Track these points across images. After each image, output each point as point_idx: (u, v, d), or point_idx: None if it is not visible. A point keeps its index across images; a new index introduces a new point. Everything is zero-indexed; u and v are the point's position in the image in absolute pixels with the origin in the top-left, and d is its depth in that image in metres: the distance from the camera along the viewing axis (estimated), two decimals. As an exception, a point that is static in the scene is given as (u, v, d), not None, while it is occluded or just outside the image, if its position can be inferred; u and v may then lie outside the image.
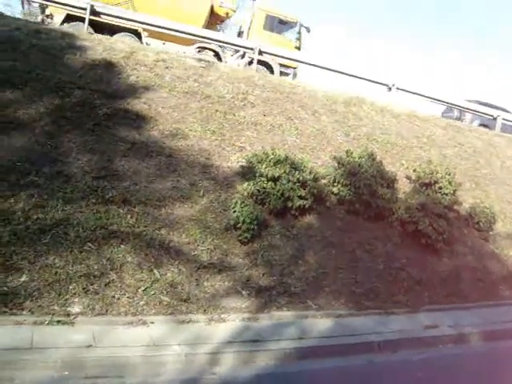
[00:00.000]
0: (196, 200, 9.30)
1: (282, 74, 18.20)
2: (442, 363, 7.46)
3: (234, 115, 11.79)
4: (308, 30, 19.88)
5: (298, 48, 19.53)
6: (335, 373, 6.61)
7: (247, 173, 10.03)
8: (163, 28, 15.50)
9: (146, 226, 8.34)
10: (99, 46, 12.40)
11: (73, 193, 8.29)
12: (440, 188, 11.22)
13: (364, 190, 10.12)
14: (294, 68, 19.06)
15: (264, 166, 9.79)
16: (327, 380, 6.42)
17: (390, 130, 13.68)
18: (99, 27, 15.03)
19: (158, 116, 10.84)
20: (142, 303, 7.16)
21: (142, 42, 15.79)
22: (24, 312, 6.28)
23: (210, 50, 17.21)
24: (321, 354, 6.90)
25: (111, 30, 15.23)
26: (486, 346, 8.24)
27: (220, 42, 16.69)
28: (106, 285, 7.17)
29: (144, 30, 15.96)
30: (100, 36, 13.47)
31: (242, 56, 17.56)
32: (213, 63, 13.62)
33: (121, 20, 15.19)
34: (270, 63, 17.52)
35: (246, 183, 9.63)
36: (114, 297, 7.08)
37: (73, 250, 7.39)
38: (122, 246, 7.86)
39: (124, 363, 5.89)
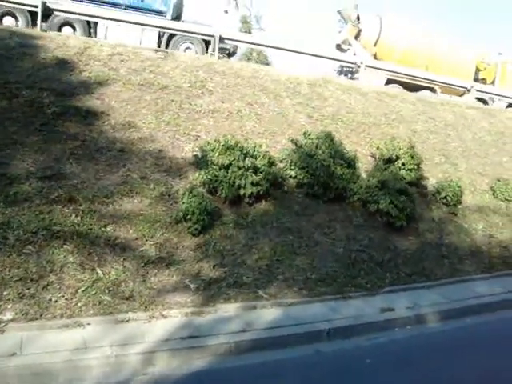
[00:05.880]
0: (146, 194, 9.04)
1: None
2: (395, 347, 7.13)
3: (191, 104, 11.50)
4: None
5: None
6: (276, 366, 6.28)
7: (200, 162, 9.77)
8: (452, 85, 19.21)
9: (91, 224, 8.10)
10: (51, 44, 12.13)
11: (15, 195, 8.04)
12: (403, 164, 10.90)
13: (321, 172, 9.81)
14: None
15: (217, 154, 9.53)
16: (265, 375, 6.10)
17: (357, 108, 13.33)
18: (407, 87, 18.71)
19: (110, 111, 10.57)
20: (80, 304, 6.92)
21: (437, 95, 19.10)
22: (-50, 322, 6.08)
23: (479, 99, 20.54)
24: (263, 347, 6.58)
25: (414, 88, 18.74)
26: (445, 326, 7.89)
27: (489, 93, 20.42)
28: (43, 288, 6.94)
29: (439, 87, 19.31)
30: (53, 33, 13.22)
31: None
32: (171, 53, 13.28)
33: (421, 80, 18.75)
34: None
35: (198, 173, 9.37)
36: (50, 300, 6.84)
37: (11, 254, 7.16)
38: (64, 246, 7.62)
39: (47, 370, 5.64)
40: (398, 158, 10.96)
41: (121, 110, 10.69)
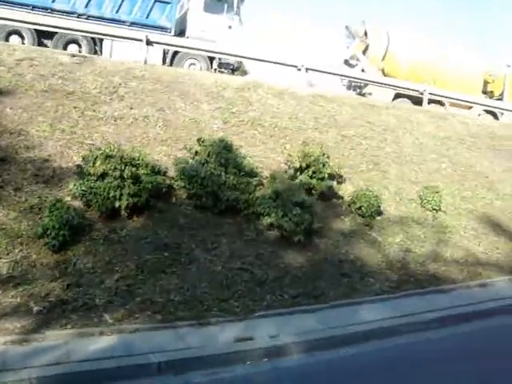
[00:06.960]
0: (14, 207, 8.36)
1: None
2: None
3: (94, 111, 10.84)
4: None
5: None
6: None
7: (82, 173, 9.06)
8: (458, 100, 19.39)
9: None
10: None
11: None
12: (314, 172, 9.98)
13: (210, 181, 8.98)
14: None
15: (98, 164, 8.81)
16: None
17: (284, 112, 12.46)
18: (415, 102, 18.87)
19: (2, 118, 9.97)
20: None
21: (445, 109, 19.58)
22: None
23: (487, 112, 21.44)
24: (73, 383, 5.81)
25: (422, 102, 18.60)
26: (309, 359, 6.78)
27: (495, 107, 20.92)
28: None
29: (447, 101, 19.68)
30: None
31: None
32: (90, 58, 12.64)
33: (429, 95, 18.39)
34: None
35: (72, 184, 8.65)
36: None
37: None
38: None
39: None
40: (308, 166, 10.03)
41: (15, 118, 10.10)
